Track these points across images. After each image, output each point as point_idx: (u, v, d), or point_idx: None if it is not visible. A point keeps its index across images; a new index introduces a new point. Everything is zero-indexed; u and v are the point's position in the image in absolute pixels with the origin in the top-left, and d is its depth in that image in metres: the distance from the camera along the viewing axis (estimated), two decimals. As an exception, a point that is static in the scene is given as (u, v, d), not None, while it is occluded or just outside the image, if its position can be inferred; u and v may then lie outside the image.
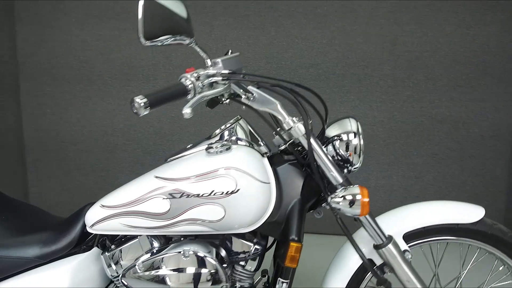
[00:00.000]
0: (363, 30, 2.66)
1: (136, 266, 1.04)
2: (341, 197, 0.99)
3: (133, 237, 1.10)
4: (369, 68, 2.67)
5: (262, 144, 1.17)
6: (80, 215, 1.15)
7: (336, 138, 1.10)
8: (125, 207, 1.03)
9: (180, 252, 1.03)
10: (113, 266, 1.08)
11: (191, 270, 1.02)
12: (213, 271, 1.02)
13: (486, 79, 2.58)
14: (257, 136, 1.18)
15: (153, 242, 1.09)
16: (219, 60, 1.05)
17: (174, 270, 1.03)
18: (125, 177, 3.01)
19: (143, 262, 1.04)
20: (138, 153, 2.99)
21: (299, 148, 1.12)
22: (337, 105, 2.74)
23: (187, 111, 0.95)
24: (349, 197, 0.98)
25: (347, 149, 1.09)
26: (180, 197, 0.99)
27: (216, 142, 1.11)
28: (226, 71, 1.05)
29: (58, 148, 3.04)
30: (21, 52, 2.97)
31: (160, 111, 2.91)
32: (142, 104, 0.90)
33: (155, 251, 1.07)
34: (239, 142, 1.12)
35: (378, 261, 1.11)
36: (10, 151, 2.89)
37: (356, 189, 0.99)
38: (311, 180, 1.10)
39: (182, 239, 1.09)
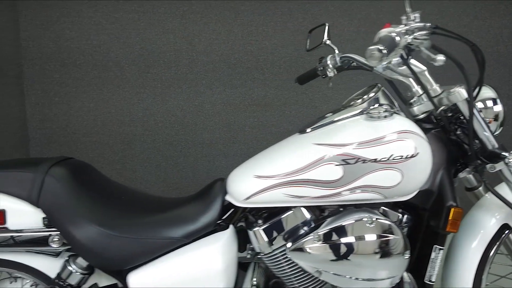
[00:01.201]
0: (388, 19, 2.74)
1: (311, 237, 0.99)
2: None
3: (282, 210, 1.04)
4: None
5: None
6: (212, 191, 1.08)
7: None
8: (290, 176, 0.97)
9: (361, 219, 0.99)
10: (264, 242, 1.01)
11: (375, 237, 0.99)
12: (397, 237, 1.00)
13: (499, 68, 2.78)
14: (397, 105, 1.18)
15: (308, 214, 1.04)
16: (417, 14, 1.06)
17: (357, 238, 0.99)
18: (144, 169, 2.86)
19: (318, 233, 0.99)
20: (159, 144, 2.84)
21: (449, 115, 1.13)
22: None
23: (441, 57, 0.93)
24: None
25: (488, 115, 1.12)
26: (355, 163, 0.96)
27: (374, 108, 1.08)
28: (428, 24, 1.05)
29: (68, 140, 2.81)
30: (24, 35, 2.71)
31: (183, 99, 2.79)
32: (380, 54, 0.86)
33: (312, 223, 1.02)
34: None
35: None
36: (14, 145, 2.61)
37: None
38: (452, 148, 1.12)
39: (341, 209, 1.05)
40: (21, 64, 2.71)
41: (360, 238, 0.99)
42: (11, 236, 0.96)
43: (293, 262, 1.02)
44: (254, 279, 1.03)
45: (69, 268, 0.96)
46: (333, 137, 1.01)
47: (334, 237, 0.99)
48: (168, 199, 1.14)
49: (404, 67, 1.08)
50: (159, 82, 2.77)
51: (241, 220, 1.09)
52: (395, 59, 1.06)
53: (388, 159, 0.98)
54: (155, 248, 0.98)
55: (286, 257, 1.02)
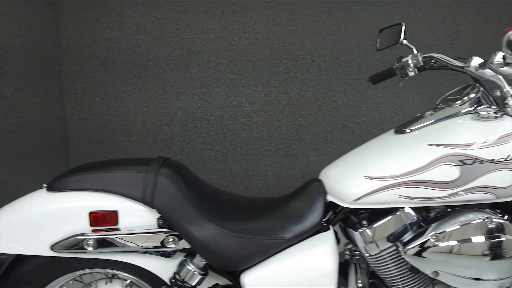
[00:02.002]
0: (427, 19, 2.75)
1: (429, 239, 0.99)
2: None
3: (386, 210, 1.04)
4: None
5: None
6: (312, 192, 1.08)
7: None
8: (405, 176, 0.98)
9: (481, 220, 1.00)
10: (371, 243, 1.02)
11: (495, 237, 1.00)
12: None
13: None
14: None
15: (415, 215, 1.04)
16: None
17: (478, 239, 0.99)
18: (182, 168, 2.85)
19: (437, 234, 0.99)
20: (197, 143, 2.85)
21: None
22: (403, 91, 2.80)
23: None
24: None
25: None
26: (473, 163, 0.97)
27: (482, 108, 1.08)
28: None
29: (107, 140, 2.81)
30: (64, 34, 2.71)
31: (221, 98, 2.80)
32: None
33: (420, 224, 1.03)
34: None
35: None
36: (54, 144, 2.61)
37: None
38: None
39: (449, 210, 1.06)
40: (61, 63, 2.71)
41: (481, 238, 1.00)
42: (123, 237, 0.96)
43: (400, 263, 1.02)
44: (359, 281, 1.03)
45: (188, 267, 0.96)
46: (444, 137, 1.02)
47: (455, 238, 1.00)
48: (264, 200, 1.14)
49: (506, 67, 1.08)
50: (198, 82, 2.77)
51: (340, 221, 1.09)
52: (497, 60, 1.07)
53: (505, 160, 0.98)
54: (269, 248, 0.99)
55: (394, 258, 1.03)
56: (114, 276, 1.14)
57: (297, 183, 3.06)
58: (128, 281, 1.08)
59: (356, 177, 1.03)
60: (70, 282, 1.07)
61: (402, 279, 1.04)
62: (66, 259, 0.99)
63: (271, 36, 2.74)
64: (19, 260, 0.99)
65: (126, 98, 2.77)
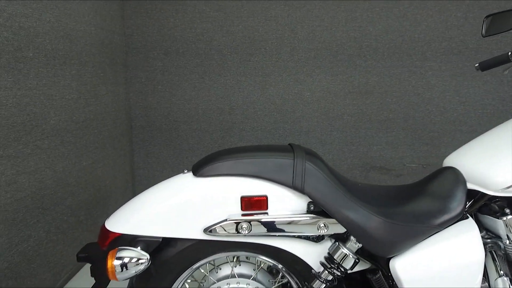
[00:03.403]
0: (497, 5, 2.67)
1: None
2: None
3: None
4: (502, 42, 2.69)
5: None
6: (450, 180, 1.07)
7: None
8: None
9: None
10: None
11: None
12: None
13: None
14: None
15: None
16: None
17: None
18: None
19: None
20: (257, 132, 2.86)
21: None
22: (469, 79, 2.74)
23: None
24: None
25: None
26: None
27: None
28: None
29: (169, 127, 2.85)
30: (129, 23, 2.73)
31: (283, 87, 2.79)
32: None
33: None
34: None
35: None
36: (122, 132, 2.65)
37: None
38: None
39: None
40: (126, 52, 2.74)
41: None
42: (273, 222, 0.97)
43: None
44: (500, 268, 1.03)
45: (343, 250, 0.98)
46: None
47: None
48: (400, 187, 1.14)
49: None
50: (260, 70, 2.77)
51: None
52: None
53: None
54: (418, 235, 0.99)
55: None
56: (247, 258, 1.17)
57: (357, 171, 3.05)
58: (256, 265, 1.10)
59: (507, 165, 1.01)
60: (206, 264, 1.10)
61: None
62: (213, 243, 1.02)
63: (335, 23, 2.71)
64: (166, 242, 1.02)
65: (188, 86, 2.79)
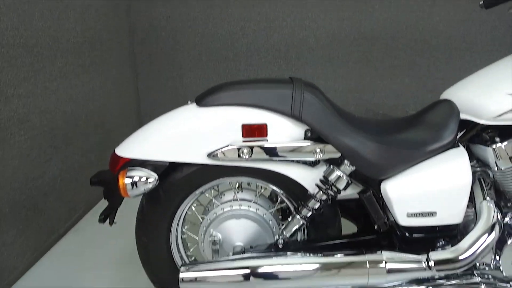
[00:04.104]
0: None
1: None
2: None
3: None
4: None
5: None
6: (444, 110, 1.11)
7: None
8: None
9: None
10: (505, 158, 1.06)
11: None
12: None
13: None
14: None
15: None
16: None
17: None
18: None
19: None
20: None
21: None
22: (477, 25, 2.68)
23: None
24: None
25: None
26: None
27: None
28: None
29: (174, 75, 2.87)
30: None
31: (287, 33, 2.75)
32: None
33: None
34: None
35: None
36: (128, 79, 2.69)
37: None
38: None
39: None
40: (129, 5, 2.70)
41: None
42: (272, 148, 1.03)
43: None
44: (487, 195, 1.09)
45: (337, 172, 1.04)
46: None
47: None
48: (395, 119, 1.18)
49: None
50: (264, 16, 2.73)
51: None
52: None
53: None
54: (409, 159, 1.05)
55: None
56: (249, 185, 1.25)
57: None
58: (260, 191, 1.18)
59: (499, 94, 1.04)
60: (210, 189, 1.18)
61: (529, 192, 1.09)
62: (217, 168, 1.09)
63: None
64: (172, 167, 1.09)
65: (192, 33, 2.78)
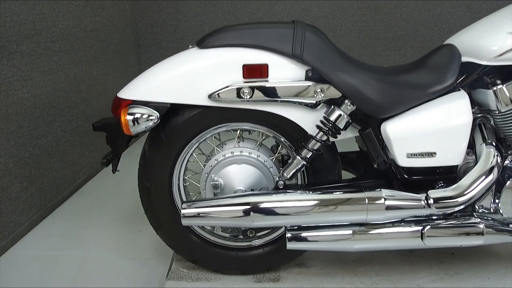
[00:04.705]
0: None
1: None
2: None
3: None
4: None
5: None
6: (446, 54, 1.11)
7: None
8: None
9: None
10: (506, 99, 1.06)
11: None
12: None
13: None
14: None
15: None
16: None
17: None
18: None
19: None
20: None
21: None
22: (483, -7, 2.65)
23: None
24: None
25: None
26: None
27: None
28: None
29: (176, 45, 2.86)
30: None
31: (289, 2, 2.73)
32: None
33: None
34: None
35: None
36: (129, 49, 2.68)
37: None
38: None
39: None
40: (130, -34, 2.68)
41: None
42: (273, 88, 1.03)
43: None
44: (487, 139, 1.09)
45: (337, 111, 1.04)
46: None
47: None
48: (396, 65, 1.18)
49: None
50: None
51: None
52: None
53: None
54: (410, 99, 1.05)
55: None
56: (250, 134, 1.25)
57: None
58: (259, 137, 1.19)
59: (499, 34, 1.03)
60: (212, 137, 1.19)
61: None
62: (218, 111, 1.09)
63: None
64: (174, 111, 1.09)
65: (194, 3, 2.76)
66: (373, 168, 1.15)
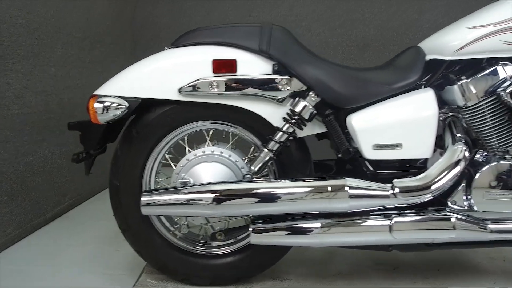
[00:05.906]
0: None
1: None
2: None
3: (481, 67, 1.08)
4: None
5: None
6: (411, 54, 1.15)
7: None
8: (508, 22, 1.02)
9: None
10: (472, 94, 1.06)
11: None
12: None
13: None
14: None
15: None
16: None
17: None
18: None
19: None
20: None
21: None
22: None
23: None
24: None
25: None
26: None
27: None
28: None
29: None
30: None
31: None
32: None
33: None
34: None
35: None
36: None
37: None
38: None
39: None
40: None
41: None
42: (241, 82, 1.06)
43: (497, 114, 1.06)
44: (459, 134, 1.08)
45: (302, 102, 1.06)
46: None
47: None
48: (366, 67, 1.22)
49: None
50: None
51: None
52: None
53: None
54: (375, 92, 1.07)
55: (491, 109, 1.07)
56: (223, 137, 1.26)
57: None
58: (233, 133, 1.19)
59: (460, 29, 1.07)
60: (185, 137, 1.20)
61: (497, 132, 1.07)
62: (188, 109, 1.11)
63: (332, -22, 2.79)
64: (147, 108, 1.12)
65: (194, 9, 2.90)
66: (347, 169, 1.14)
